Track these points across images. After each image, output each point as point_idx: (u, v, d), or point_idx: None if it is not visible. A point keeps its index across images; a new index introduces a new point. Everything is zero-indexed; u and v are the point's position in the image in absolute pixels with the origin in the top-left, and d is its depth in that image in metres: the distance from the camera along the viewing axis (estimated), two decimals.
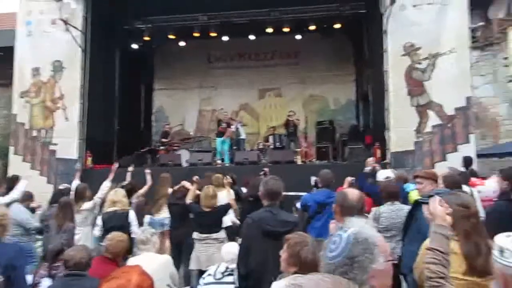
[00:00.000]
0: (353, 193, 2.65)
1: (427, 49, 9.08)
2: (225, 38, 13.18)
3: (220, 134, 11.11)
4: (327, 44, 13.76)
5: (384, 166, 7.37)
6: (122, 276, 1.53)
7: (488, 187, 4.91)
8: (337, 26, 12.33)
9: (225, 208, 5.18)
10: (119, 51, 12.16)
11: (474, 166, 8.17)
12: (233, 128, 11.32)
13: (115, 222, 4.66)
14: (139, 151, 11.50)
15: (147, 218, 6.06)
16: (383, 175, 5.22)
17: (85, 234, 5.11)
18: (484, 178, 6.02)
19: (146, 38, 12.81)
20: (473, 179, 5.48)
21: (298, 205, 5.14)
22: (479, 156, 9.82)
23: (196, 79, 14.94)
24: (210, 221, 4.95)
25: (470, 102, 9.13)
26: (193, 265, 5.04)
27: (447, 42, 9.05)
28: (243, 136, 11.86)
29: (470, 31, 10.05)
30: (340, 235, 1.34)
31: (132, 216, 4.84)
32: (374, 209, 4.47)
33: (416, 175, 4.02)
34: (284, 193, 5.76)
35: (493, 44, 14.90)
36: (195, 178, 5.54)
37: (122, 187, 5.84)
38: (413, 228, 3.86)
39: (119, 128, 11.35)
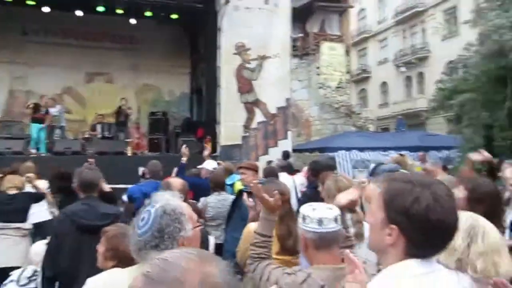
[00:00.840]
0: (176, 182, 2.62)
1: (256, 51, 9.83)
2: (45, 10, 11.51)
3: (38, 120, 9.68)
4: (163, 33, 13.46)
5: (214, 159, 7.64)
6: None
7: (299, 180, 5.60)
8: (174, 16, 12.19)
9: (35, 196, 4.48)
10: None
11: (291, 159, 9.26)
12: (54, 111, 9.97)
13: None
14: None
15: None
16: (208, 165, 5.37)
17: None
18: (298, 170, 6.84)
19: None
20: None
21: (124, 197, 4.85)
22: (295, 150, 11.18)
23: (6, 52, 12.61)
24: (12, 207, 4.19)
25: (289, 103, 10.29)
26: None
27: (273, 47, 9.98)
28: (63, 123, 10.58)
29: (292, 40, 11.32)
30: (148, 211, 1.34)
31: None
32: (201, 199, 4.56)
33: (240, 166, 4.26)
34: (111, 186, 5.39)
35: (309, 54, 17.17)
36: None
37: None
38: (236, 216, 4.08)
39: None
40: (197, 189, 4.73)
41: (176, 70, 14.11)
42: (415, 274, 1.04)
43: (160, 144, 11.34)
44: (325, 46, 16.74)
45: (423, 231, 1.03)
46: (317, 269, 1.66)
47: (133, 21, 12.50)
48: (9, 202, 4.24)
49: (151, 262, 0.73)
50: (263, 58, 9.85)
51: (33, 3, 10.83)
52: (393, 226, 1.06)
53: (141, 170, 5.70)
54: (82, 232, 2.59)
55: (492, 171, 3.46)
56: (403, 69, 25.96)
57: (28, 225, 4.31)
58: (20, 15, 12.15)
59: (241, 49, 9.69)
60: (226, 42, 9.62)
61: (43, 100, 10.27)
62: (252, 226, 3.13)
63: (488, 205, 2.13)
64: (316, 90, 16.92)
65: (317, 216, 1.67)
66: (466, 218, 1.84)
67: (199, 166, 5.39)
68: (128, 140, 10.49)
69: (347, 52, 17.75)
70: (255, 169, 4.40)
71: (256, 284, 1.90)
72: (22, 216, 4.26)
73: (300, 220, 1.73)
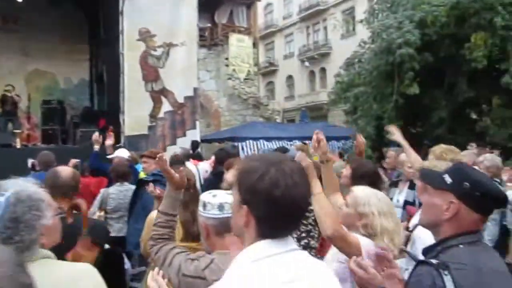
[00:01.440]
0: (65, 170, 2.41)
1: (162, 38, 9.49)
2: None
3: None
4: (57, 15, 12.25)
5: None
6: None
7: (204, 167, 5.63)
8: None
9: None
10: None
11: (200, 150, 9.18)
12: None
13: None
14: None
15: None
16: (123, 153, 5.10)
17: None
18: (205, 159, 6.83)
19: None
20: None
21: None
22: (203, 141, 11.12)
23: None
24: None
25: (197, 92, 10.16)
26: None
27: (180, 35, 9.73)
28: None
29: (199, 30, 11.16)
30: None
31: None
32: (102, 190, 4.30)
33: (142, 155, 4.11)
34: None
35: (218, 45, 17.13)
36: None
37: None
38: (138, 206, 3.94)
39: None
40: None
41: (73, 55, 12.98)
42: (267, 255, 1.00)
43: (55, 135, 10.42)
44: (233, 38, 16.84)
45: (269, 208, 1.00)
46: (220, 254, 1.64)
47: None
48: None
49: None
50: (169, 45, 9.55)
51: None
52: (244, 206, 1.03)
53: (30, 161, 5.16)
54: None
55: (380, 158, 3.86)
56: (307, 63, 27.35)
57: None
58: None
59: (145, 35, 9.26)
60: (129, 27, 9.11)
61: None
62: (154, 214, 3.04)
63: (368, 182, 2.37)
64: (225, 81, 16.97)
65: (218, 202, 1.66)
66: (383, 197, 2.07)
67: (111, 156, 5.07)
68: (17, 131, 9.41)
69: (255, 45, 18.08)
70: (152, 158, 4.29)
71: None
72: None
73: (200, 208, 1.70)
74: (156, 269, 1.37)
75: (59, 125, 10.73)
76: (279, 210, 1.00)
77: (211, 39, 17.03)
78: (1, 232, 1.16)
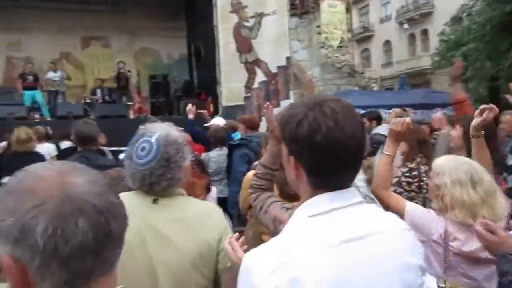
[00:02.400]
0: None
1: (253, 8, 9.59)
2: None
3: (28, 88, 9.66)
4: None
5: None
6: None
7: None
8: None
9: (42, 157, 4.58)
10: None
11: None
12: (55, 77, 9.93)
13: None
14: None
15: None
16: (215, 121, 5.45)
17: None
18: None
19: None
20: None
21: (121, 156, 4.95)
22: None
23: (0, 19, 12.40)
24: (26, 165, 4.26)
25: (289, 62, 10.16)
26: None
27: (270, 4, 9.73)
28: (63, 88, 10.60)
29: None
30: (148, 140, 1.35)
31: None
32: (203, 154, 4.64)
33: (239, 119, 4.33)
34: (114, 148, 5.46)
35: (309, 13, 16.72)
36: None
37: None
38: (232, 169, 4.21)
39: None
40: (206, 142, 4.85)
41: (172, 32, 13.84)
42: (324, 210, 0.91)
43: (162, 107, 11.35)
44: (325, 4, 16.22)
45: (315, 156, 0.91)
46: None
47: None
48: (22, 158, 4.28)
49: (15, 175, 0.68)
50: (260, 15, 9.64)
51: None
52: (291, 158, 0.95)
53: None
54: None
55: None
56: (406, 26, 25.35)
57: None
58: None
59: (237, 7, 9.47)
60: (222, 0, 9.40)
61: (27, 67, 10.12)
62: (251, 175, 3.21)
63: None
64: (317, 50, 16.56)
65: None
66: (462, 164, 1.91)
67: (208, 124, 5.45)
68: (129, 103, 10.50)
69: (348, 10, 17.24)
70: (247, 124, 4.49)
71: (257, 217, 1.96)
72: None
73: None
74: (236, 234, 1.47)
75: (165, 98, 11.66)
76: (326, 157, 0.90)
77: (302, 7, 16.63)
78: (156, 169, 1.30)
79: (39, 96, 9.64)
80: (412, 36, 25.85)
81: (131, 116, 10.02)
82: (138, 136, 1.39)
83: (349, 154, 0.91)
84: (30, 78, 9.67)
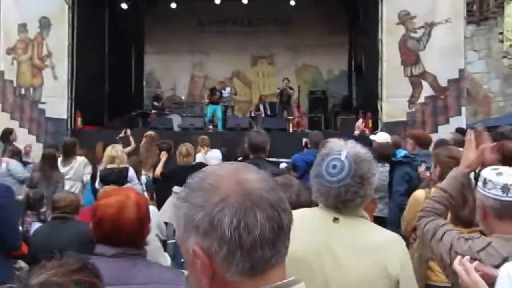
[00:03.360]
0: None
1: (423, 18, 8.98)
2: (217, 1, 12.86)
3: (213, 102, 11.10)
4: (320, 10, 13.51)
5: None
6: (121, 192, 1.55)
7: None
8: None
9: (201, 165, 5.22)
10: (108, 10, 11.76)
11: None
12: (225, 93, 11.28)
13: (114, 178, 4.45)
14: (131, 114, 11.38)
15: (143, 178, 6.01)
16: (381, 136, 5.25)
17: (77, 187, 5.08)
18: None
19: None
20: None
21: (282, 165, 5.23)
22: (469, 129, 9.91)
23: (187, 43, 14.66)
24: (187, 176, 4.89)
25: (462, 74, 9.14)
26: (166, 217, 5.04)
27: (443, 11, 8.95)
28: (232, 103, 11.91)
29: (465, 4, 9.94)
30: (337, 158, 1.36)
31: (132, 173, 4.67)
32: None
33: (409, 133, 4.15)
34: (274, 160, 5.83)
35: (489, 19, 14.79)
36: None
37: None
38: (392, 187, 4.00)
39: (109, 89, 11.14)
40: None
41: (334, 48, 14.06)
42: None
43: (319, 122, 11.62)
44: (510, 7, 14.16)
45: None
46: (500, 239, 1.49)
47: (292, 2, 12.93)
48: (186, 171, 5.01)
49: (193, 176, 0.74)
50: (431, 25, 8.93)
51: None
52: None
53: (304, 140, 6.11)
54: None
55: None
56: None
57: None
58: (196, 8, 14.00)
59: (405, 18, 8.98)
60: (389, 11, 9.05)
61: (220, 85, 11.63)
62: (418, 194, 2.99)
63: None
64: (498, 60, 14.53)
65: (502, 182, 1.49)
66: None
67: (371, 137, 5.36)
68: (289, 117, 11.06)
69: None
70: (417, 140, 4.22)
71: (426, 244, 1.82)
72: None
73: (480, 183, 1.57)
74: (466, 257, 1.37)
75: (322, 113, 11.91)
76: None
77: (480, 13, 14.87)
78: (352, 186, 1.32)
79: (219, 110, 11.00)
80: None
81: (290, 130, 10.51)
82: (323, 155, 1.42)
83: None
84: (218, 93, 11.11)
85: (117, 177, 4.52)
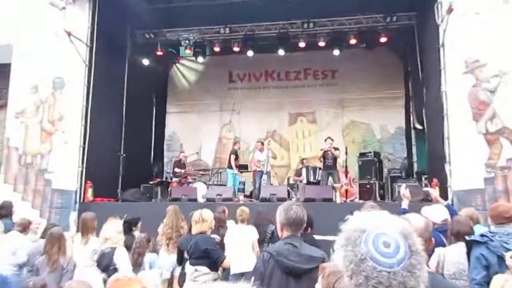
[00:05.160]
0: (417, 221, 2.52)
1: (496, 65, 8.87)
2: (249, 54, 13.31)
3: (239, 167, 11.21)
4: (369, 61, 13.72)
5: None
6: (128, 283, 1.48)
7: None
8: (383, 40, 12.33)
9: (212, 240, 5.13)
10: (128, 68, 12.41)
11: None
12: (262, 157, 11.32)
13: (105, 262, 4.63)
14: (148, 184, 11.54)
15: (150, 257, 5.91)
16: (437, 212, 4.89)
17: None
18: None
19: (159, 53, 13.19)
20: None
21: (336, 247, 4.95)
22: None
23: (215, 101, 15.14)
24: (196, 248, 4.80)
25: None
26: None
27: None
28: (269, 168, 11.79)
29: None
30: (384, 233, 1.27)
31: (120, 255, 4.72)
32: (437, 250, 4.22)
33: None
34: (321, 237, 5.58)
35: None
36: None
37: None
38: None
39: (124, 155, 11.41)
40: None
41: (387, 102, 14.03)
42: None
43: (372, 190, 11.28)
44: None
45: None
46: None
47: (336, 52, 13.10)
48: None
49: None
50: (507, 72, 8.79)
51: (237, 49, 12.80)
52: None
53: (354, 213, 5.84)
54: (287, 274, 2.76)
55: None
56: None
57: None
58: (226, 62, 14.58)
59: (474, 66, 8.91)
60: (453, 60, 9.03)
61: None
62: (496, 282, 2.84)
63: None
64: None
65: None
66: None
67: (422, 212, 5.06)
68: (336, 185, 10.82)
69: None
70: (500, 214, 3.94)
71: None
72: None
73: None
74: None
75: (376, 179, 11.58)
76: None
77: None
78: (414, 266, 1.25)
79: (235, 176, 11.07)
80: None
81: (338, 200, 10.24)
82: (359, 233, 1.34)
83: None
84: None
85: (106, 261, 4.65)
